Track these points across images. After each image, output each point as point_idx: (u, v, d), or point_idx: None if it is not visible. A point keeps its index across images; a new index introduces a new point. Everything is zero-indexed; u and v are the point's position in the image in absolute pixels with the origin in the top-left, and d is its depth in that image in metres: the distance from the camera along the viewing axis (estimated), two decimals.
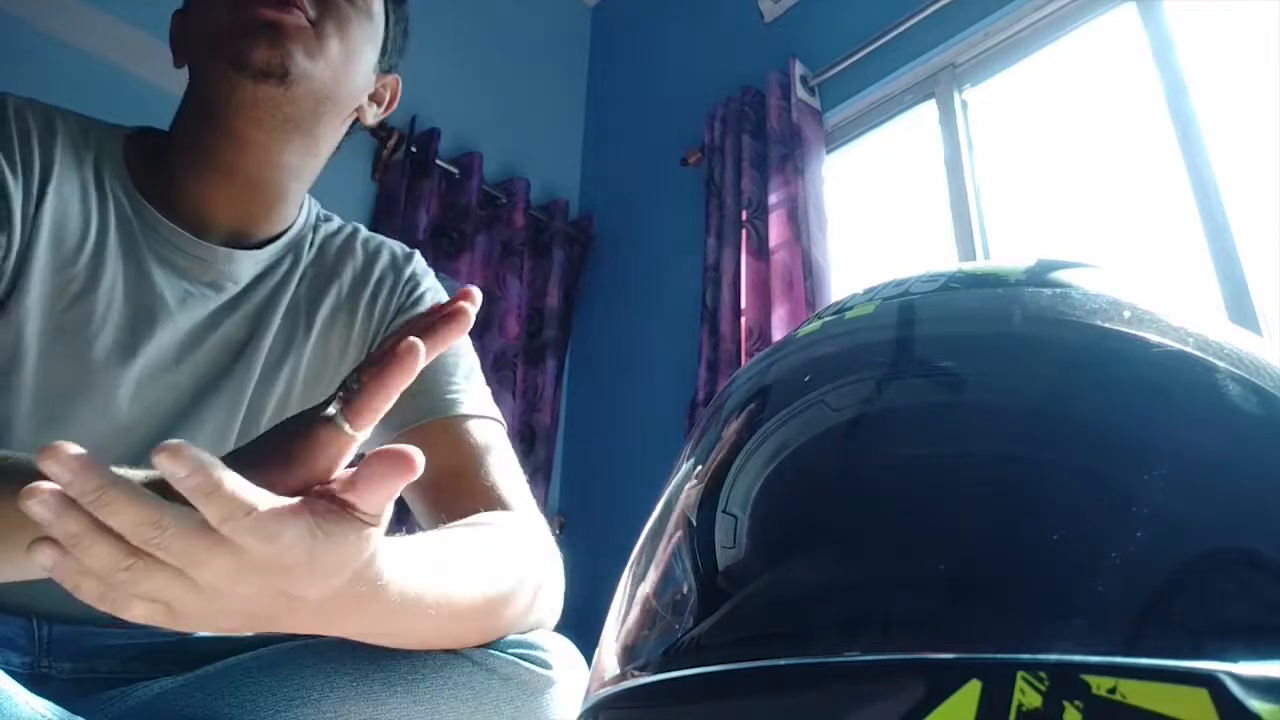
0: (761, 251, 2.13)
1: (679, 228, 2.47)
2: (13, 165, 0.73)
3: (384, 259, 0.91)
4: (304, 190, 0.87)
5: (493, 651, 0.66)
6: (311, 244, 0.88)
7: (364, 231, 0.93)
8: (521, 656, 0.67)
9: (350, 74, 0.81)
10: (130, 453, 0.75)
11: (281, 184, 0.82)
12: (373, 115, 0.90)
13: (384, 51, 0.87)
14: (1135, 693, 0.25)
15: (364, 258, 0.90)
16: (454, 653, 0.65)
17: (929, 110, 2.15)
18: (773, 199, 2.16)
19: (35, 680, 0.71)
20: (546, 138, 2.92)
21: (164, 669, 0.66)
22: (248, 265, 0.82)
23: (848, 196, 2.29)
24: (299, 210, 0.88)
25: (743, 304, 2.09)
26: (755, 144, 2.28)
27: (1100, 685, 0.26)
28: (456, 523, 0.67)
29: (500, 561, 0.64)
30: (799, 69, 2.29)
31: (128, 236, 0.78)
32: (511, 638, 0.68)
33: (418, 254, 0.94)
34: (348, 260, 0.89)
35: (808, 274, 2.01)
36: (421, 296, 0.90)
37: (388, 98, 0.91)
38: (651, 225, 2.64)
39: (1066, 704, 0.26)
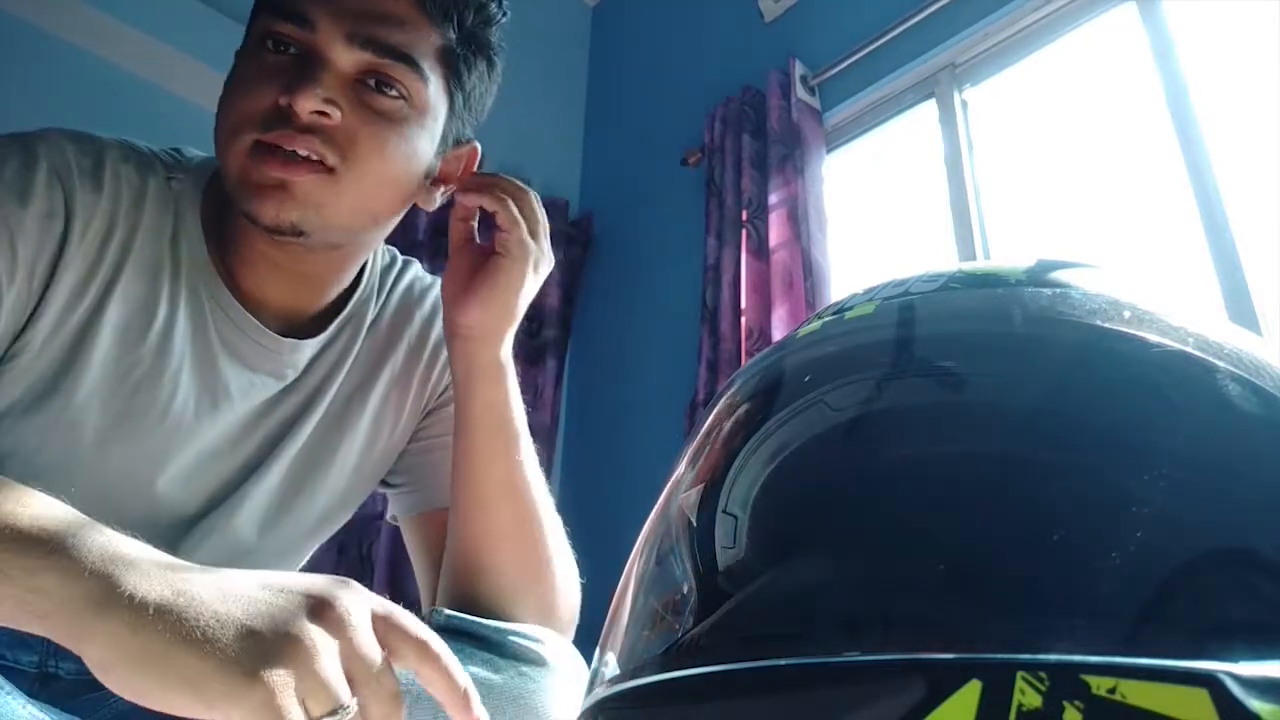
0: (761, 251, 2.13)
1: (679, 228, 2.47)
2: (85, 236, 0.69)
3: (441, 319, 0.85)
4: (366, 257, 0.82)
5: (493, 654, 0.66)
6: (376, 305, 0.84)
7: (421, 279, 0.89)
8: (522, 658, 0.67)
9: (385, 199, 0.74)
10: (161, 530, 0.75)
11: (335, 276, 0.79)
12: (440, 196, 0.81)
13: (445, 135, 0.78)
14: (1135, 693, 0.25)
15: (423, 320, 0.87)
16: (455, 653, 0.65)
17: (929, 110, 2.15)
18: (773, 199, 2.16)
19: (43, 679, 0.72)
20: (546, 138, 2.92)
21: None
22: (308, 351, 0.80)
23: (848, 196, 2.29)
24: (364, 268, 0.83)
25: (743, 304, 2.09)
26: (755, 144, 2.28)
27: (1100, 685, 0.26)
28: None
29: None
30: (799, 69, 2.29)
31: (199, 321, 0.74)
32: (513, 638, 0.68)
33: None
34: (406, 325, 0.86)
35: (808, 274, 2.01)
36: None
37: (459, 170, 0.82)
38: (651, 225, 2.64)
39: (1066, 704, 0.26)
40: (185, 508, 0.76)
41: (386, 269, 0.86)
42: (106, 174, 0.70)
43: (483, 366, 0.77)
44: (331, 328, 0.80)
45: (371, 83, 0.70)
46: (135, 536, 0.49)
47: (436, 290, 0.88)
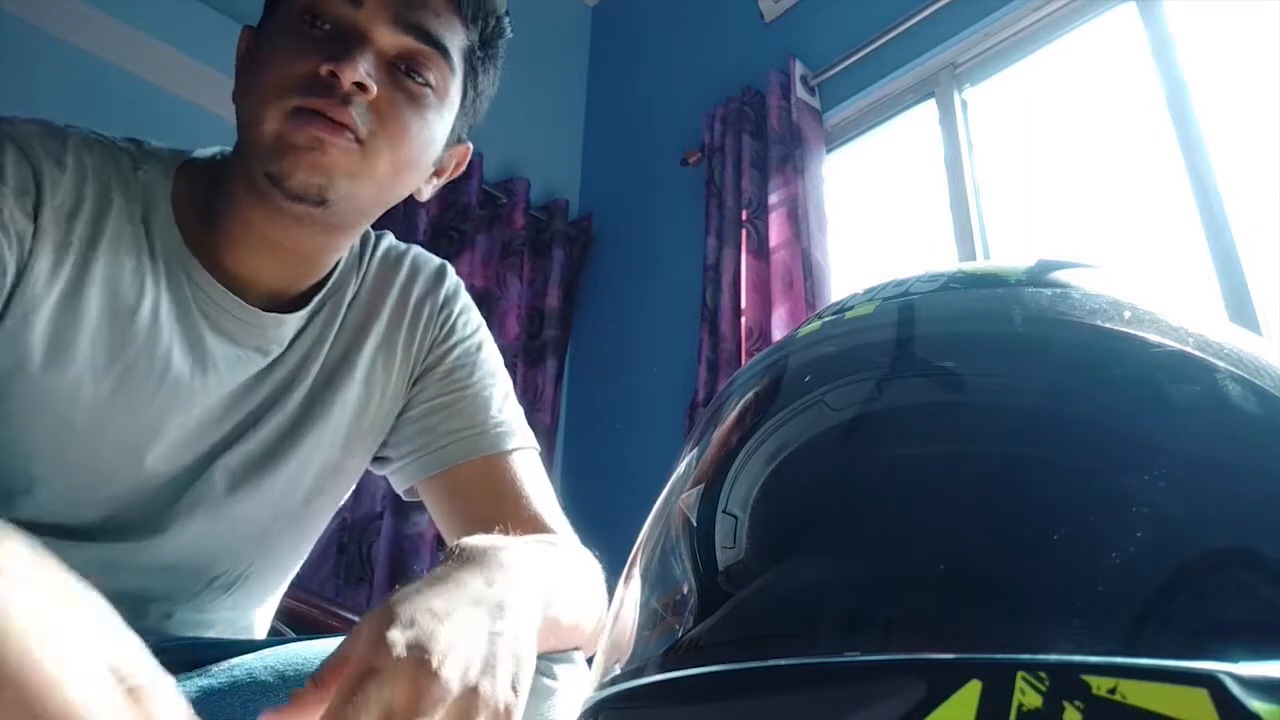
0: (761, 251, 2.13)
1: (679, 228, 2.47)
2: (52, 210, 0.70)
3: (421, 283, 0.88)
4: (356, 238, 0.84)
5: None
6: (356, 278, 0.86)
7: (396, 246, 0.90)
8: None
9: (402, 181, 0.77)
10: (146, 497, 0.76)
11: (329, 256, 0.81)
12: (430, 189, 0.84)
13: (455, 130, 0.81)
14: (1135, 693, 0.25)
15: (401, 284, 0.87)
16: None
17: (929, 110, 2.15)
18: (773, 199, 2.16)
19: None
20: (546, 138, 2.92)
21: (169, 670, 0.66)
22: (292, 326, 0.81)
23: (848, 196, 2.29)
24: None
25: (743, 304, 2.09)
26: (755, 144, 2.28)
27: (1100, 685, 0.26)
28: (534, 537, 0.71)
29: (584, 582, 0.72)
30: (799, 69, 2.29)
31: (180, 299, 0.76)
32: None
33: (450, 270, 0.92)
34: (387, 292, 0.87)
35: (808, 274, 2.01)
36: (454, 326, 0.89)
37: (451, 167, 0.85)
38: (651, 225, 2.64)
39: (1066, 704, 0.26)
40: (170, 477, 0.77)
41: (362, 243, 0.88)
42: (69, 157, 0.72)
43: None
44: (314, 302, 0.82)
45: (403, 67, 0.74)
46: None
47: (411, 254, 0.90)
